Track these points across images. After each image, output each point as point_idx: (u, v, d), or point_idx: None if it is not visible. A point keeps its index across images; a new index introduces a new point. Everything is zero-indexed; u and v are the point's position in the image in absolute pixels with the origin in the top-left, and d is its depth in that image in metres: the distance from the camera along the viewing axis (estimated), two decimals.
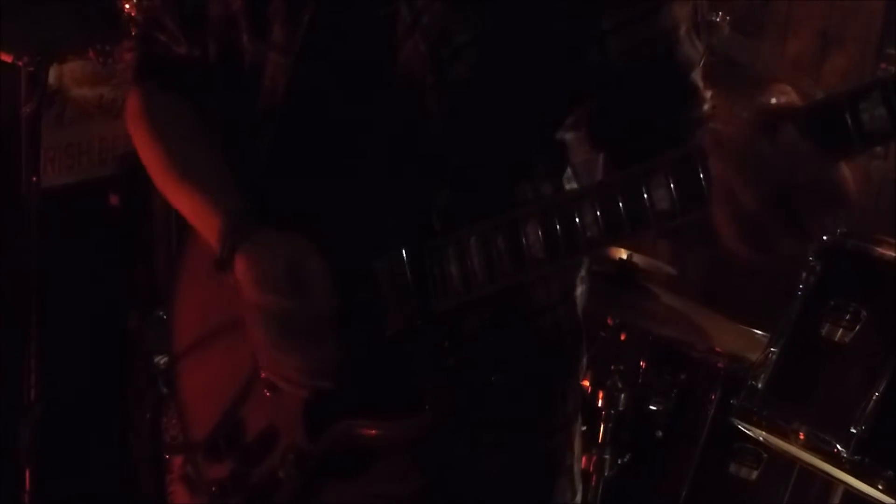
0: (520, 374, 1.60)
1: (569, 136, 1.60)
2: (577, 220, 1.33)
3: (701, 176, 1.23)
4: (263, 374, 1.53)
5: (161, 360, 2.55)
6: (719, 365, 2.64)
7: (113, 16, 2.70)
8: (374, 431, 1.47)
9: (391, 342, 1.46)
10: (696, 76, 1.53)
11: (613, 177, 1.34)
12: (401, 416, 1.46)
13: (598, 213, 1.32)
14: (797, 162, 1.13)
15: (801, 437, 2.10)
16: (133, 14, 2.63)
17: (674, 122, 1.51)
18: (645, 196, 1.28)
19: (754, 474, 2.60)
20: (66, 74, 2.81)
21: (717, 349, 2.69)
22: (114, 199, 2.99)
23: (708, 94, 1.55)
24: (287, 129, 1.55)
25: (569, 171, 1.64)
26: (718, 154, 1.19)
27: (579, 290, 1.67)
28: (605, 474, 2.69)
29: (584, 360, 1.70)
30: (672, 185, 1.26)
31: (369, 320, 1.46)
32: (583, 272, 1.67)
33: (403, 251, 1.44)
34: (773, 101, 1.17)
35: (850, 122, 1.12)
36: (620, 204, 1.30)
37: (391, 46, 1.48)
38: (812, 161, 1.13)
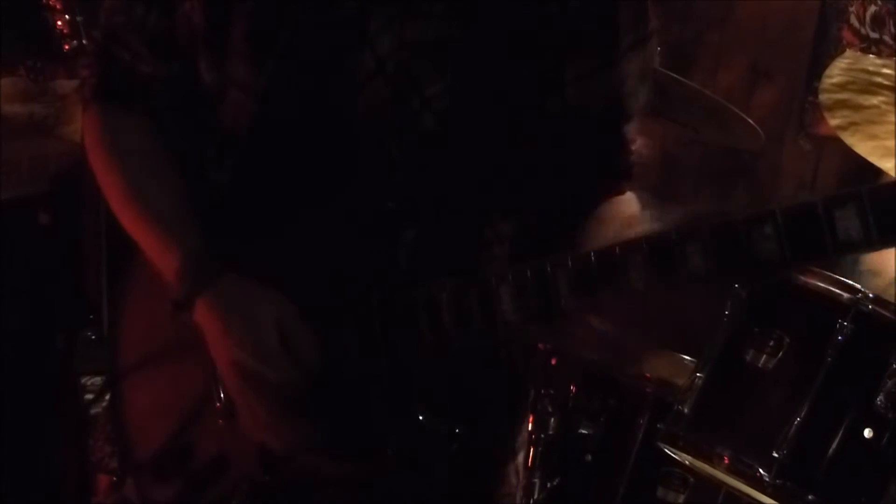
0: (484, 419, 1.61)
1: None
2: (554, 288, 1.35)
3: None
4: (219, 404, 1.51)
5: (88, 380, 2.52)
6: (648, 390, 2.66)
7: (45, 33, 2.67)
8: (332, 470, 1.47)
9: (356, 388, 1.45)
10: (629, 128, 1.58)
11: (593, 251, 1.36)
12: (362, 457, 1.46)
13: (574, 283, 1.35)
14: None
15: (726, 461, 2.12)
16: (66, 31, 2.61)
17: (600, 168, 1.58)
18: (623, 272, 1.32)
19: (681, 498, 2.61)
20: None
21: (647, 374, 2.72)
22: (44, 218, 2.95)
23: (636, 143, 1.61)
24: (248, 167, 1.54)
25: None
26: None
27: None
28: (535, 498, 2.70)
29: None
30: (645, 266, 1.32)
31: (335, 365, 1.45)
32: None
33: (372, 301, 1.44)
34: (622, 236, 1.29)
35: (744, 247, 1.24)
36: (597, 277, 1.33)
37: (353, 90, 1.48)
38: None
